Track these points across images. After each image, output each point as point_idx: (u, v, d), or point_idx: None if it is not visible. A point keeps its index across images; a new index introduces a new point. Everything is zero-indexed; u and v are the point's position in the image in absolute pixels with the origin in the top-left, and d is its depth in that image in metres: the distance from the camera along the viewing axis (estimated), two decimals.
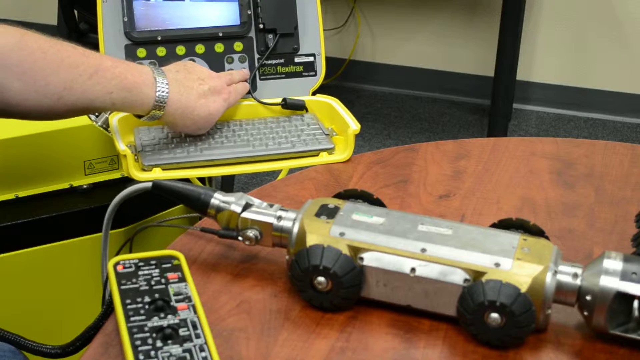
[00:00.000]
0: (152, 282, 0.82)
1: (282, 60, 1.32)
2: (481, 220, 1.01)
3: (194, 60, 1.28)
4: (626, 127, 3.17)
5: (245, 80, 1.27)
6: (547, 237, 0.87)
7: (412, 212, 0.89)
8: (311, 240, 0.84)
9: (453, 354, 0.80)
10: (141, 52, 1.25)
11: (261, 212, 0.88)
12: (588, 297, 0.79)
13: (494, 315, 0.78)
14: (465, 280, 0.80)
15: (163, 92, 1.09)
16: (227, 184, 2.20)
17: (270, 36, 1.31)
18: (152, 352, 0.73)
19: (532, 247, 0.82)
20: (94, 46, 1.24)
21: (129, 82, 1.07)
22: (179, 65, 1.18)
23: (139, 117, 1.13)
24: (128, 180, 1.17)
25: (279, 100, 1.29)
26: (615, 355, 0.80)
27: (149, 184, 0.92)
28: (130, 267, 0.85)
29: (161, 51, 1.26)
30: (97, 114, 1.37)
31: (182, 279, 0.83)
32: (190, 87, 1.13)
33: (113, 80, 1.06)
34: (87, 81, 1.04)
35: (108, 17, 1.25)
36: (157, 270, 0.84)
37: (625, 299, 0.78)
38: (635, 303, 0.77)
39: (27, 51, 1.01)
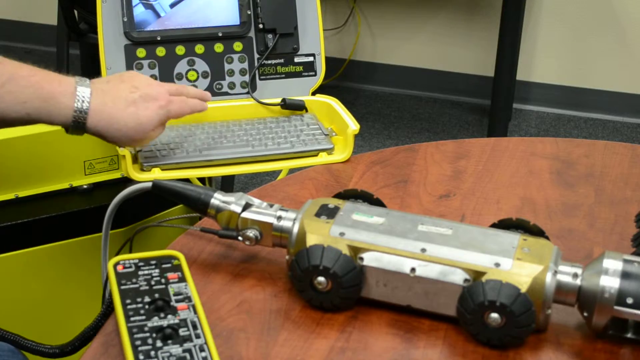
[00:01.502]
0: (152, 282, 0.82)
1: (281, 60, 1.32)
2: (481, 220, 1.01)
3: (193, 61, 1.28)
4: (626, 127, 3.17)
5: (204, 100, 1.18)
6: (547, 237, 0.87)
7: (412, 212, 0.89)
8: (311, 240, 0.84)
9: (453, 354, 0.80)
10: (141, 52, 1.25)
11: (261, 212, 0.88)
12: (588, 297, 0.79)
13: (494, 315, 0.78)
14: (465, 280, 0.81)
15: (83, 102, 1.03)
16: (227, 184, 2.20)
17: (270, 36, 1.31)
18: (152, 352, 0.73)
19: (532, 247, 0.82)
20: (94, 46, 1.24)
21: (44, 92, 1.01)
22: (115, 75, 1.12)
23: (66, 130, 1.06)
24: (128, 180, 1.17)
25: (279, 100, 1.29)
26: (615, 355, 0.80)
27: (149, 184, 0.92)
28: (130, 267, 0.85)
29: (161, 51, 1.26)
30: None
31: (182, 279, 0.83)
32: (118, 96, 1.06)
33: (27, 89, 1.00)
34: (10, 97, 0.99)
35: (108, 17, 1.25)
36: (157, 270, 0.84)
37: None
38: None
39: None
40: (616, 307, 0.78)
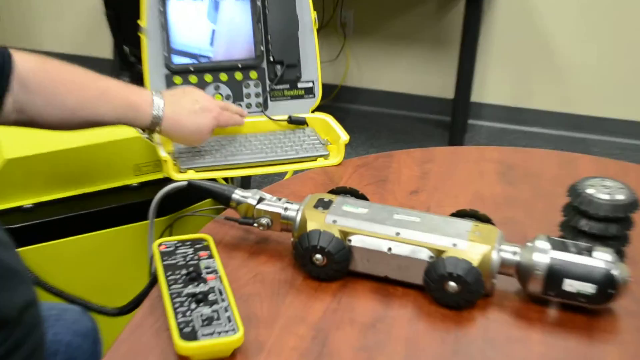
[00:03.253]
0: (188, 259, 0.83)
1: (287, 86, 1.32)
2: (442, 211, 1.01)
3: (218, 86, 1.28)
4: (557, 138, 3.17)
5: (242, 116, 1.21)
6: (493, 224, 0.87)
7: (389, 205, 0.90)
8: (311, 226, 0.85)
9: (420, 313, 0.81)
10: (177, 79, 1.26)
11: (272, 204, 0.89)
12: (524, 270, 0.80)
13: (452, 283, 0.79)
14: (430, 257, 0.81)
15: (159, 110, 1.05)
16: (245, 183, 2.20)
17: (279, 67, 1.31)
18: (188, 312, 0.74)
19: (481, 231, 0.83)
20: (140, 75, 1.25)
21: (130, 101, 1.04)
22: (178, 89, 1.14)
23: (142, 130, 1.09)
24: (169, 180, 1.18)
25: (286, 117, 1.29)
26: (545, 314, 0.81)
27: (185, 183, 0.92)
28: (170, 247, 0.85)
29: (193, 79, 1.27)
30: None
31: (211, 256, 0.84)
32: (183, 107, 1.09)
33: (118, 101, 1.03)
34: (96, 101, 1.02)
35: (151, 52, 1.25)
36: (191, 250, 0.85)
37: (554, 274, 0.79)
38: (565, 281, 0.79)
39: (47, 75, 0.99)
40: (542, 295, 0.80)
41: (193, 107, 1.10)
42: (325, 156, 1.20)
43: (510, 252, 0.81)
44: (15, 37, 3.56)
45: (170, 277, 0.80)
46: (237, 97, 1.29)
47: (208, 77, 1.27)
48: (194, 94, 1.12)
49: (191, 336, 0.71)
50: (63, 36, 3.55)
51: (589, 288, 0.78)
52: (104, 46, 3.33)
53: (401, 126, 3.29)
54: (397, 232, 0.83)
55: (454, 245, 0.81)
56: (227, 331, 0.72)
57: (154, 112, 1.05)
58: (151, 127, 1.06)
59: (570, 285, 0.78)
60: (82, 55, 3.56)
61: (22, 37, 3.56)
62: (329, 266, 0.83)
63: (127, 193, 1.35)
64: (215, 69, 1.28)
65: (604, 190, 0.86)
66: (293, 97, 1.32)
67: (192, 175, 1.14)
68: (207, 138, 1.13)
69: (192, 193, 0.93)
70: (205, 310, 0.74)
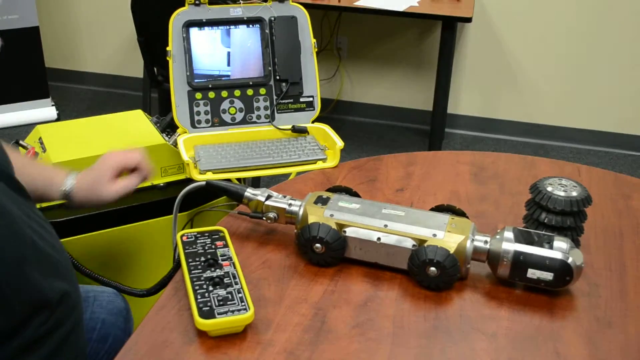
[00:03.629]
0: (206, 247, 0.83)
1: (291, 100, 1.32)
2: (424, 206, 1.01)
3: (233, 101, 1.27)
4: (520, 144, 3.17)
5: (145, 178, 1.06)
6: (467, 217, 0.87)
7: (378, 201, 0.89)
8: (311, 219, 0.84)
9: (405, 294, 0.80)
10: (198, 95, 1.25)
11: (278, 200, 0.88)
12: (494, 257, 0.80)
13: (432, 268, 0.78)
14: (413, 245, 0.81)
15: (66, 187, 0.97)
16: (256, 182, 2.19)
17: (284, 84, 1.31)
18: (206, 294, 0.74)
19: (457, 223, 0.83)
20: (167, 92, 1.24)
21: (47, 177, 0.97)
22: (94, 166, 1.02)
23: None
24: (190, 180, 1.17)
25: (290, 126, 1.29)
26: (512, 295, 0.81)
27: (204, 183, 0.92)
28: (191, 237, 0.85)
29: (211, 94, 1.26)
30: (169, 135, 1.37)
31: (226, 245, 0.84)
32: (88, 170, 1.00)
33: (38, 174, 0.96)
34: (19, 173, 0.90)
35: (176, 72, 1.25)
36: (209, 240, 0.84)
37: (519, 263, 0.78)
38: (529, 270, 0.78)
39: (15, 155, 0.90)
40: (509, 279, 0.79)
41: (94, 165, 1.00)
42: (324, 160, 1.19)
43: (482, 241, 0.81)
44: (62, 59, 3.55)
45: (191, 264, 0.79)
46: (248, 110, 1.29)
47: (224, 93, 1.27)
48: (103, 158, 1.01)
49: (209, 314, 0.71)
50: (102, 58, 3.55)
51: (548, 276, 0.77)
52: (136, 67, 3.33)
53: (388, 134, 3.29)
54: (385, 224, 0.83)
55: (434, 235, 0.80)
56: (239, 310, 0.71)
57: (61, 188, 0.97)
58: (65, 198, 0.98)
59: (532, 273, 0.78)
60: (117, 74, 3.55)
61: (67, 60, 3.56)
62: (327, 254, 0.83)
63: (154, 191, 1.35)
64: (230, 86, 1.28)
65: (561, 188, 0.86)
66: (296, 110, 1.32)
67: (210, 176, 1.14)
68: (117, 187, 1.00)
69: (210, 191, 0.92)
70: (221, 292, 0.74)
